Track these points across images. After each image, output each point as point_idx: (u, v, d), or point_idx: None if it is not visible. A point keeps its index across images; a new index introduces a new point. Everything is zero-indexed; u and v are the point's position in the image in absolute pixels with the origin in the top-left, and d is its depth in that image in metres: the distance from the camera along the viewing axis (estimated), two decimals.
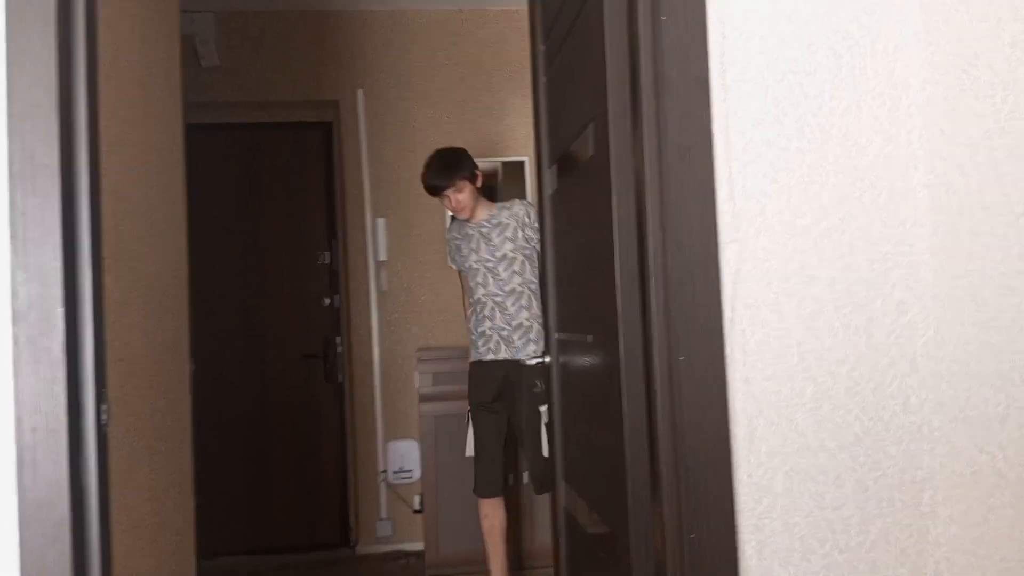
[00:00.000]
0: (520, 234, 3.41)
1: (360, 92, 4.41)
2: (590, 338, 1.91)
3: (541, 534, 3.76)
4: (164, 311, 2.22)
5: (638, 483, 1.60)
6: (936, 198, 1.52)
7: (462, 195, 3.37)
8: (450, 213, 3.56)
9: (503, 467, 3.45)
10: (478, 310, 3.44)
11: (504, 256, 3.39)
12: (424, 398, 3.89)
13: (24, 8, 1.35)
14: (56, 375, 1.33)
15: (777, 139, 1.52)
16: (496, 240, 3.41)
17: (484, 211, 3.47)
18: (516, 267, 3.40)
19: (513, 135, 4.49)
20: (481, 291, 3.42)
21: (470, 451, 3.43)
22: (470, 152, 3.47)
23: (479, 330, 3.44)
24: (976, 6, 1.40)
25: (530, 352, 3.37)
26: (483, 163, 4.40)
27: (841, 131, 1.54)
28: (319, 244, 4.54)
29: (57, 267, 1.34)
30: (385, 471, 4.36)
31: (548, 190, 2.38)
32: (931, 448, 1.54)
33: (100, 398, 1.42)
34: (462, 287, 3.67)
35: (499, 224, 3.42)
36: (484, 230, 3.44)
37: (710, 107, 1.50)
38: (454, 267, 3.63)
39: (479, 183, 3.43)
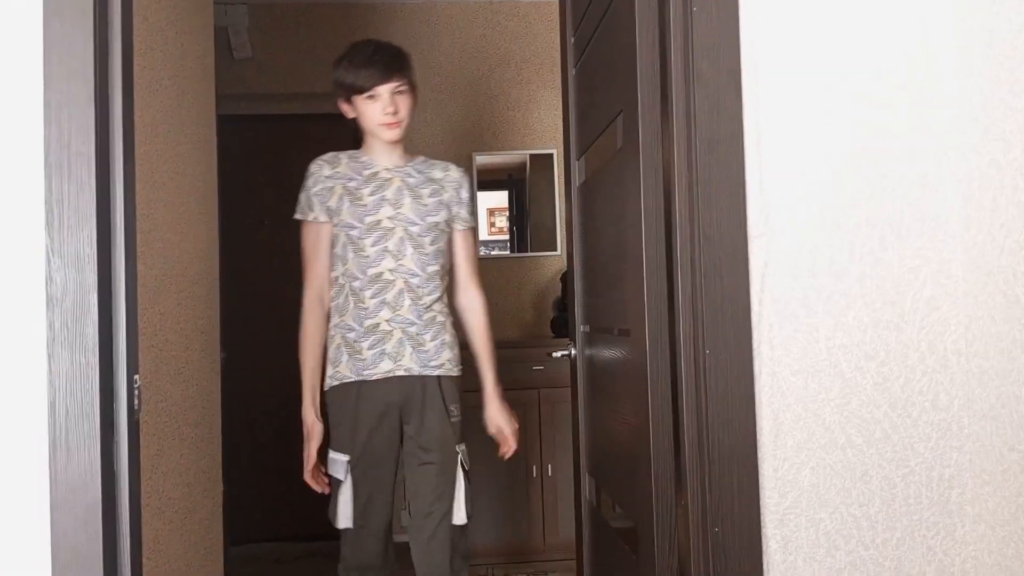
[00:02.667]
0: (453, 211, 2.37)
1: None
2: (616, 331, 1.91)
3: (564, 527, 3.76)
4: (196, 299, 2.25)
5: (662, 476, 1.60)
6: (969, 193, 1.50)
7: (405, 103, 2.29)
8: (326, 160, 2.32)
9: (390, 537, 2.36)
10: (368, 295, 2.24)
11: (435, 225, 2.30)
12: None
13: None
14: (90, 360, 1.35)
15: (809, 132, 1.51)
16: (429, 200, 2.31)
17: (406, 154, 2.38)
18: (443, 244, 2.34)
19: (542, 127, 4.48)
20: (388, 264, 2.24)
21: (346, 522, 2.27)
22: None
23: (365, 324, 2.23)
24: None
25: (445, 361, 2.30)
26: (512, 155, 4.42)
27: (874, 124, 1.52)
28: None
29: (92, 254, 1.36)
30: None
31: (576, 182, 2.38)
32: (960, 445, 1.52)
33: (132, 384, 1.44)
34: (306, 255, 2.31)
35: (432, 181, 2.34)
36: (412, 180, 2.32)
37: (741, 99, 1.49)
38: (318, 219, 2.28)
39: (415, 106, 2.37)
